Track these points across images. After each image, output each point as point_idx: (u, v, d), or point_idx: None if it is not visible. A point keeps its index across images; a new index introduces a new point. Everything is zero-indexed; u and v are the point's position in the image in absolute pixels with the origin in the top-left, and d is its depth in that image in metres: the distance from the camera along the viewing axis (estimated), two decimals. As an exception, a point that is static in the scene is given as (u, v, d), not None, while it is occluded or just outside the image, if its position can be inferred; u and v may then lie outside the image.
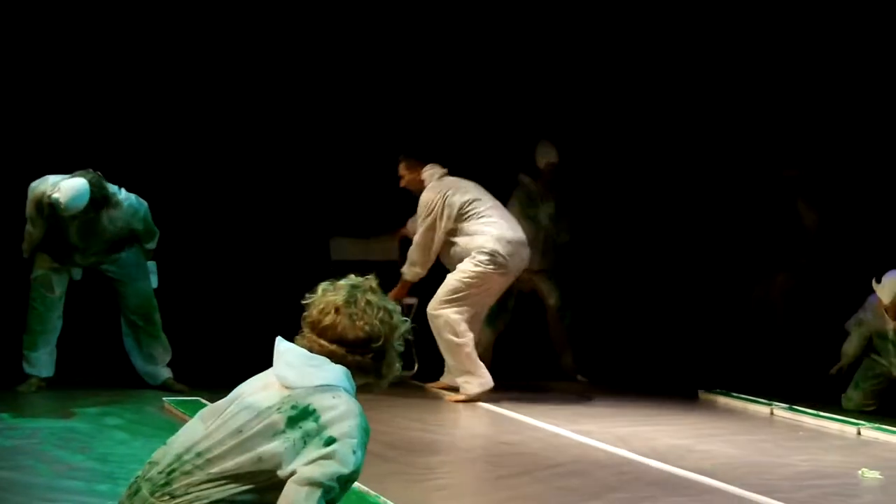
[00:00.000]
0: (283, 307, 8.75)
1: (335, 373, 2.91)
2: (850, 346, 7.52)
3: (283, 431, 2.81)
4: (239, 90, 8.87)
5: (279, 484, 2.78)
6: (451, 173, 7.55)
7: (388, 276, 8.58)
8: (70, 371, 6.94)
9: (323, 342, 2.94)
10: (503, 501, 4.61)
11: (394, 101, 9.24)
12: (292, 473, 2.75)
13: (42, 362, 6.71)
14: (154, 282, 7.03)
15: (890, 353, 7.34)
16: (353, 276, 3.05)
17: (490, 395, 7.06)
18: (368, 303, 2.96)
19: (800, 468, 5.51)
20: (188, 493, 2.84)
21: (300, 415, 2.82)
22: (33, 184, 6.62)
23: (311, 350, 2.95)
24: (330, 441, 2.78)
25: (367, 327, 2.93)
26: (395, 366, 3.03)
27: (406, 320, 3.04)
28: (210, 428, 2.91)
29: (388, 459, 5.20)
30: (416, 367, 8.09)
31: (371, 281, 3.04)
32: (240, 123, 8.90)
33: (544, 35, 9.37)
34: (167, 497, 2.85)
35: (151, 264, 7.03)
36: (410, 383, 7.53)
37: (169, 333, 7.05)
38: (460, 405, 6.95)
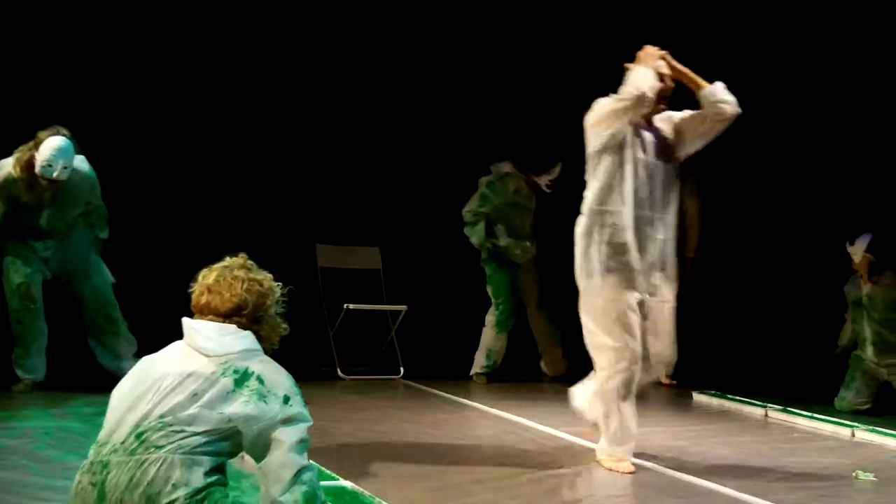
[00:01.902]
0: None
1: (248, 338, 3.39)
2: (844, 333, 7.62)
3: (235, 391, 3.24)
4: (225, 94, 8.88)
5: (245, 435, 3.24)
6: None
7: (371, 283, 8.68)
8: (63, 371, 6.94)
9: (209, 317, 3.39)
10: (498, 502, 4.61)
11: (380, 107, 9.26)
12: (264, 431, 3.22)
13: (37, 367, 6.68)
14: (109, 276, 6.82)
15: (863, 318, 7.43)
16: (227, 257, 3.54)
17: (485, 396, 7.07)
18: (235, 277, 3.43)
19: (794, 470, 5.51)
20: (171, 443, 3.17)
21: (243, 377, 3.28)
22: None
23: None
24: (286, 399, 3.28)
25: (234, 298, 3.39)
26: (278, 327, 3.50)
27: (279, 285, 3.53)
28: (156, 398, 3.25)
29: (384, 460, 5.20)
30: (401, 371, 8.14)
31: (241, 259, 3.52)
32: (228, 129, 8.92)
33: (542, 36, 9.39)
34: (152, 448, 3.17)
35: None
36: (402, 384, 7.53)
37: (156, 337, 6.95)
38: (453, 406, 6.96)
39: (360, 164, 9.25)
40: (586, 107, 5.26)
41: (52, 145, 6.09)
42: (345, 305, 8.11)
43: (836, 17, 8.62)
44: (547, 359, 8.49)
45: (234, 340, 3.36)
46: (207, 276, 3.46)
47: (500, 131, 9.38)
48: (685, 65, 5.32)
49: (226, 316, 3.40)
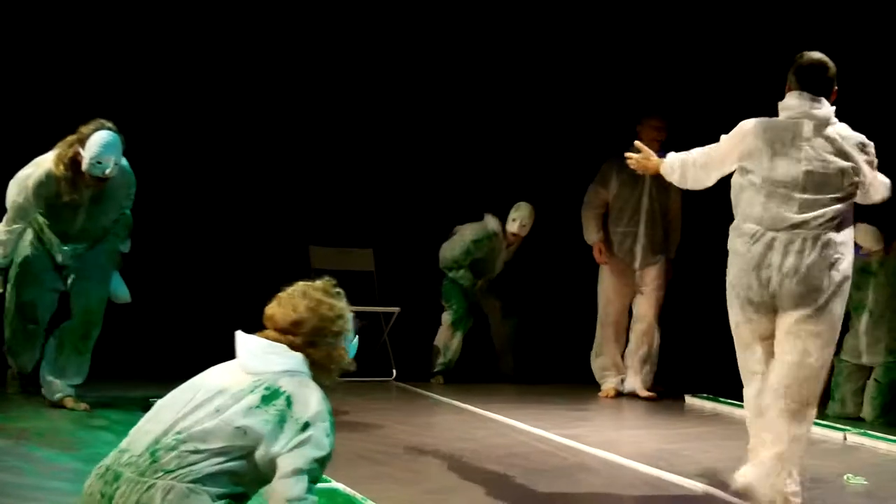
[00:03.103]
0: (261, 314, 8.79)
1: (295, 359, 3.24)
2: None
3: (259, 407, 3.10)
4: (220, 97, 8.89)
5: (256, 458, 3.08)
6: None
7: (364, 284, 8.69)
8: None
9: (267, 332, 3.29)
10: (490, 504, 4.62)
11: (374, 110, 9.27)
12: (273, 458, 3.06)
13: (31, 363, 6.38)
14: (124, 292, 6.28)
15: (868, 285, 7.37)
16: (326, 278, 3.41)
17: (478, 399, 7.07)
18: (304, 293, 3.32)
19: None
20: (181, 468, 3.03)
21: (272, 395, 3.13)
22: (22, 174, 5.83)
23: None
24: (305, 426, 3.10)
25: (293, 313, 3.28)
26: (337, 357, 3.33)
27: (355, 317, 3.38)
28: (183, 411, 3.14)
29: (377, 462, 5.21)
30: (394, 373, 8.16)
31: (325, 282, 3.39)
32: (221, 132, 8.93)
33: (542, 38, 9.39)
34: (161, 473, 3.03)
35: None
36: (395, 386, 7.53)
37: (147, 338, 6.88)
38: (446, 408, 6.96)
39: (353, 167, 9.26)
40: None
41: (100, 141, 5.61)
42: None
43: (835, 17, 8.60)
44: (504, 360, 8.64)
45: (278, 359, 3.23)
46: (285, 290, 3.37)
47: (494, 134, 9.41)
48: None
49: (283, 331, 3.28)
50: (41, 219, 5.95)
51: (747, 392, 4.83)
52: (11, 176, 5.94)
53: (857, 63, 8.40)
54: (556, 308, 9.29)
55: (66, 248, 6.00)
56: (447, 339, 8.44)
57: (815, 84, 4.69)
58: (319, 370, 3.31)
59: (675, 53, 9.03)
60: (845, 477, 5.44)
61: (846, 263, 4.62)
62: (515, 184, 9.32)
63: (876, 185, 4.76)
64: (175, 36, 8.68)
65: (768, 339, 4.71)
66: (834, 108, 4.71)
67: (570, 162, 9.02)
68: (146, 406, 6.08)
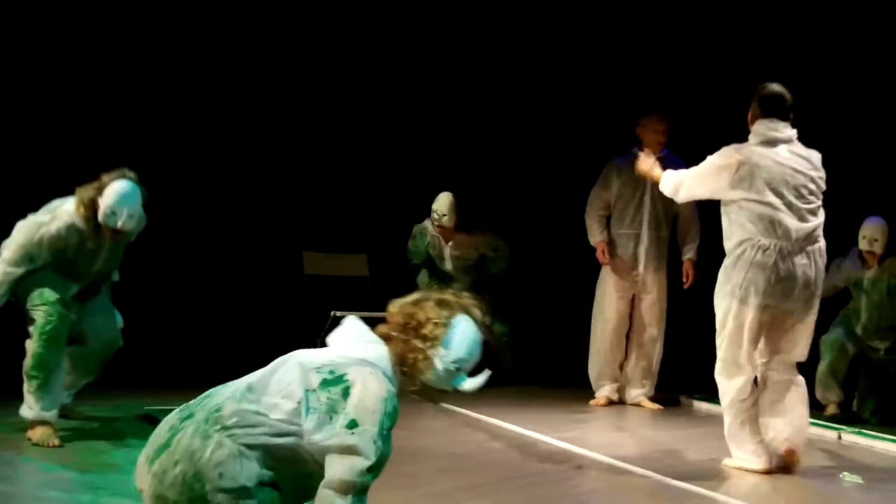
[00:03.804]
0: (255, 319, 8.80)
1: (380, 353, 3.20)
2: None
3: (315, 391, 3.08)
4: (212, 103, 8.87)
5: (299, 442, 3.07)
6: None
7: (359, 290, 8.69)
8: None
9: (382, 325, 3.29)
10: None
11: (367, 115, 9.27)
12: (314, 446, 3.05)
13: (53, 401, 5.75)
14: (119, 319, 5.98)
15: (861, 300, 7.40)
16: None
17: (473, 402, 7.06)
18: (430, 295, 3.30)
19: (781, 473, 5.52)
20: (238, 427, 3.06)
21: (334, 381, 3.09)
22: (36, 219, 5.52)
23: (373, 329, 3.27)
24: (352, 424, 3.03)
25: (404, 314, 3.26)
26: (410, 361, 3.22)
27: (444, 337, 3.23)
28: (261, 374, 3.18)
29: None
30: None
31: (467, 298, 3.33)
32: (214, 138, 8.91)
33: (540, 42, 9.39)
34: (219, 426, 3.07)
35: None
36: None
37: (140, 345, 6.83)
38: (442, 413, 6.96)
39: (346, 172, 9.25)
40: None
41: (117, 191, 5.41)
42: (332, 312, 8.10)
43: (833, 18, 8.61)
44: (503, 358, 8.61)
45: (362, 346, 3.22)
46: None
47: (490, 137, 9.40)
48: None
49: (392, 326, 3.30)
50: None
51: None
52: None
53: (855, 63, 8.48)
54: (555, 310, 9.25)
55: (75, 284, 5.71)
56: None
57: (778, 111, 5.45)
58: (402, 373, 3.25)
59: (676, 54, 9.02)
60: (842, 475, 5.44)
61: None
62: (511, 187, 9.33)
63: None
64: (164, 43, 8.66)
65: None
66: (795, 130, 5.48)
67: (568, 165, 9.00)
68: (140, 415, 6.13)
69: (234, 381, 3.24)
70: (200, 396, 3.22)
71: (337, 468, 3.03)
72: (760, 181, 5.33)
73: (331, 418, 3.05)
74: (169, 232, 8.61)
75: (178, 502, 3.06)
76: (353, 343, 3.22)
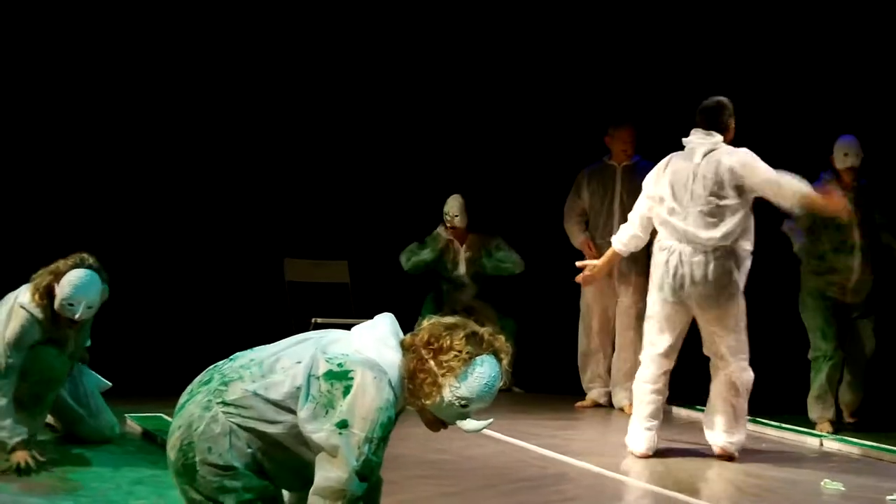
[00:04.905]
0: (237, 325, 8.77)
1: (391, 360, 3.14)
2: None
3: (318, 378, 3.06)
4: (195, 109, 8.85)
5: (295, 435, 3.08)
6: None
7: (340, 296, 8.67)
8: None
9: (411, 334, 3.22)
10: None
11: (348, 122, 9.26)
12: (303, 433, 3.04)
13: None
14: (104, 382, 5.84)
15: (851, 227, 6.99)
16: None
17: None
18: (462, 327, 3.18)
19: (763, 479, 5.53)
20: (235, 405, 3.09)
21: (339, 375, 3.06)
22: None
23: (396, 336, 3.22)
24: (342, 425, 3.01)
25: (432, 333, 3.16)
26: (417, 381, 3.14)
27: (460, 371, 3.16)
28: (282, 346, 3.21)
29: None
30: None
31: (502, 341, 3.24)
32: (195, 144, 8.89)
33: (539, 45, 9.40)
34: (220, 401, 3.11)
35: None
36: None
37: (121, 352, 6.81)
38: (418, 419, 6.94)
39: (327, 178, 9.24)
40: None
41: (73, 281, 5.05)
42: (313, 319, 8.09)
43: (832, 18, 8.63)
44: None
45: (378, 349, 3.16)
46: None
47: (473, 143, 9.39)
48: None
49: (409, 342, 3.21)
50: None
51: None
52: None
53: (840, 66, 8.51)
54: (549, 316, 9.21)
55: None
56: None
57: (702, 121, 5.89)
58: (408, 389, 3.17)
59: (647, 62, 9.04)
60: (823, 482, 5.45)
61: None
62: (496, 193, 9.31)
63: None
64: (145, 52, 8.65)
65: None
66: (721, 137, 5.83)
67: (551, 171, 8.99)
68: (122, 421, 6.09)
69: (259, 349, 3.25)
70: (225, 360, 3.27)
71: (323, 475, 3.03)
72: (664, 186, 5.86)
73: (326, 412, 3.04)
74: (150, 239, 8.60)
75: (175, 464, 3.16)
76: (374, 342, 3.17)
